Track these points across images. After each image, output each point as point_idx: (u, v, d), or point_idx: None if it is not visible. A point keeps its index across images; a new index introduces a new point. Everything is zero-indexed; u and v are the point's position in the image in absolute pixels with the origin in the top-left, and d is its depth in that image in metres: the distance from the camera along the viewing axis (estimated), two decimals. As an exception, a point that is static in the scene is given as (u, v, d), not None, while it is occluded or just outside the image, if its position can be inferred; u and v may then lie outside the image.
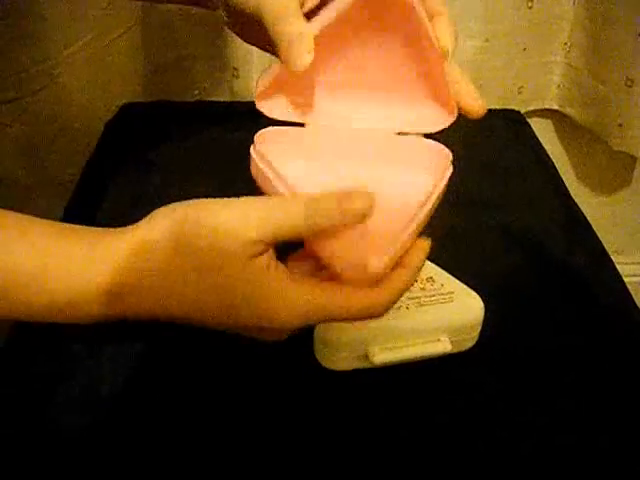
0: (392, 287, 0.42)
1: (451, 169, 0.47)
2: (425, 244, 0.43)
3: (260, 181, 0.46)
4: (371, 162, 0.51)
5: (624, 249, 1.29)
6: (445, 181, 0.46)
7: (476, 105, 0.48)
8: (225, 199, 0.40)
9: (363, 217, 0.38)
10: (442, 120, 0.50)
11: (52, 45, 0.87)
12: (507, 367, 0.55)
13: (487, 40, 1.00)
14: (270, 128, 0.49)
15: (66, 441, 0.49)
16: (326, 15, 0.44)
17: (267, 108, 0.49)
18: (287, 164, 0.45)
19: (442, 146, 0.49)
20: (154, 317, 0.43)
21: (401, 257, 0.42)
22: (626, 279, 0.66)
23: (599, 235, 0.72)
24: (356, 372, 0.52)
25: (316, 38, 0.44)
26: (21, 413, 0.51)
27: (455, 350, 0.53)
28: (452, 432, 0.51)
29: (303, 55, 0.43)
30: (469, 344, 0.54)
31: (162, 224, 0.41)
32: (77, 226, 0.44)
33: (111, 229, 0.43)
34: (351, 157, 0.51)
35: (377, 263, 0.40)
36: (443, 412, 0.52)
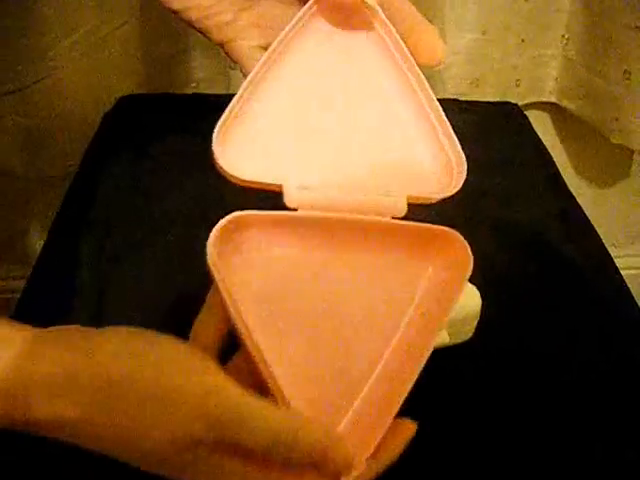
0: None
1: (468, 273, 0.42)
2: (410, 426, 0.39)
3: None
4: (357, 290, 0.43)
5: (621, 242, 1.30)
6: (457, 296, 0.41)
7: (434, 49, 0.44)
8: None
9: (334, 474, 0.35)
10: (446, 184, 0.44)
11: (49, 37, 0.86)
12: (504, 358, 0.55)
13: (484, 33, 0.99)
14: (232, 217, 0.39)
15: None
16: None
17: (231, 165, 0.40)
18: (252, 303, 0.40)
19: (455, 235, 0.43)
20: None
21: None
22: (623, 272, 0.66)
23: (596, 228, 0.72)
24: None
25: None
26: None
27: (453, 342, 0.53)
28: (449, 424, 0.51)
29: None
30: (467, 336, 0.55)
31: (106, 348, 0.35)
32: None
33: None
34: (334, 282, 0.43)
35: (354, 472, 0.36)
36: (440, 403, 0.52)
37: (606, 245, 0.70)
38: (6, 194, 1.09)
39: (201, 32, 0.49)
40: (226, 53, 0.49)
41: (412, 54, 0.44)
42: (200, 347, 0.38)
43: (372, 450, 0.37)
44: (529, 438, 0.50)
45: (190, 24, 0.50)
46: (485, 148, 0.83)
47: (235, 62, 0.49)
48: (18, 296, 0.63)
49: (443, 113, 0.44)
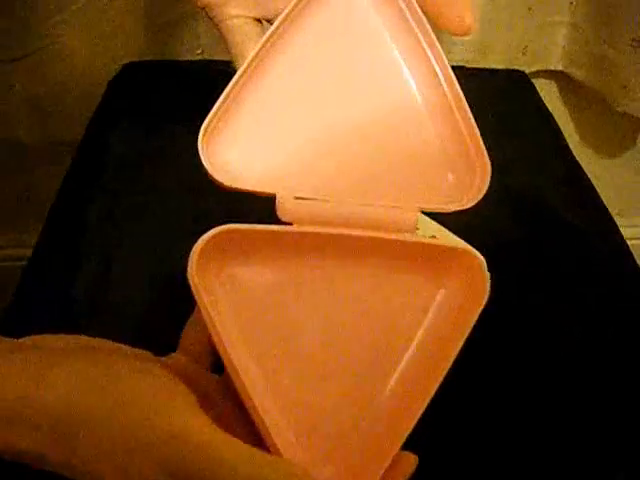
0: None
1: (485, 299, 0.37)
2: (411, 459, 0.36)
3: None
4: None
5: (626, 211, 1.29)
6: (471, 324, 0.37)
7: (463, 23, 0.40)
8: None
9: None
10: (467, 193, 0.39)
11: (53, 4, 0.86)
12: (507, 327, 0.56)
13: (491, 0, 0.99)
14: (217, 232, 0.35)
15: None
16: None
17: (219, 169, 0.36)
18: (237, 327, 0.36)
19: (474, 253, 0.39)
20: None
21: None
22: (628, 242, 0.66)
23: (602, 197, 0.72)
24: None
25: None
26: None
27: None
28: (457, 400, 0.51)
29: None
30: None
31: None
32: None
33: None
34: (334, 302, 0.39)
35: None
36: (447, 379, 0.52)
37: (611, 214, 0.70)
38: (12, 161, 1.09)
39: None
40: (213, 21, 0.45)
41: (437, 22, 0.40)
42: (181, 365, 0.36)
43: None
44: (534, 416, 0.50)
45: None
46: (491, 116, 0.83)
47: (221, 34, 0.44)
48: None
49: (469, 110, 0.38)
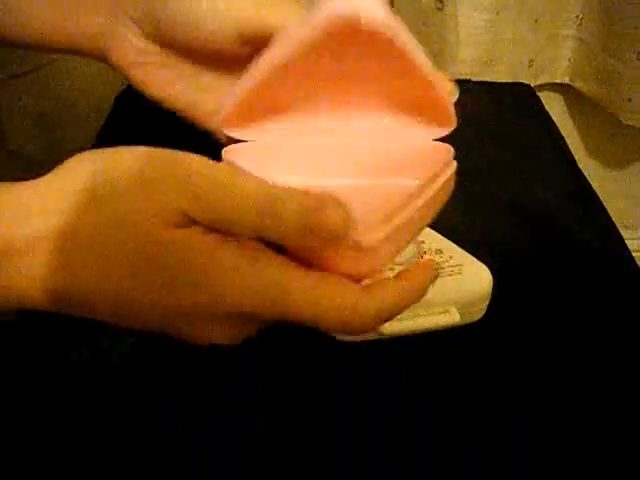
0: (385, 296, 0.34)
1: (454, 165, 0.41)
2: (431, 263, 0.38)
3: None
4: (357, 172, 0.45)
5: (633, 224, 1.29)
6: (446, 177, 0.39)
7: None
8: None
9: (335, 236, 0.32)
10: (436, 131, 0.44)
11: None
12: (516, 338, 0.56)
13: (498, 13, 0.99)
14: (239, 144, 0.43)
15: (78, 411, 0.49)
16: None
17: (239, 132, 0.43)
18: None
19: (440, 144, 0.44)
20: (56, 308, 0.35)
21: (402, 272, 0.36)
22: (634, 254, 0.66)
23: (608, 209, 0.72)
24: (365, 343, 0.52)
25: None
26: (35, 384, 0.52)
27: (464, 322, 0.53)
28: (460, 403, 0.51)
29: None
30: (478, 316, 0.55)
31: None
32: None
33: None
34: (334, 169, 0.44)
35: (372, 235, 0.34)
36: (451, 383, 0.52)
37: (617, 226, 0.70)
38: (19, 175, 1.09)
39: (192, 121, 0.49)
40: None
41: None
42: None
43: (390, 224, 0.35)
44: (541, 416, 0.50)
45: (178, 114, 0.49)
46: (497, 129, 0.83)
47: None
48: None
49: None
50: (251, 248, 0.33)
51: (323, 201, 0.32)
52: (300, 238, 0.32)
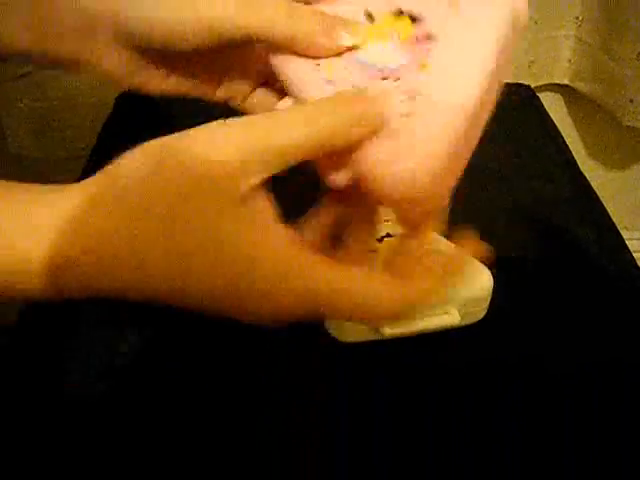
0: (422, 291, 0.36)
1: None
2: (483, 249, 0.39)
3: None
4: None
5: (633, 225, 1.29)
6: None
7: None
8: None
9: (379, 122, 0.34)
10: None
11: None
12: (516, 339, 0.56)
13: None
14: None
15: (81, 412, 0.49)
16: None
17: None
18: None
19: None
20: (120, 294, 0.34)
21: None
22: (635, 254, 0.66)
23: (608, 210, 0.72)
24: (366, 344, 0.52)
25: None
26: (37, 386, 0.52)
27: (464, 322, 0.53)
28: (461, 404, 0.51)
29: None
30: (478, 316, 0.55)
31: (130, 165, 0.33)
32: (19, 184, 0.36)
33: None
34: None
35: (427, 169, 0.34)
36: (452, 384, 0.52)
37: (618, 227, 0.70)
38: (20, 176, 1.09)
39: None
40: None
41: None
42: None
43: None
44: (542, 417, 0.50)
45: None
46: (498, 130, 0.83)
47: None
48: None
49: None
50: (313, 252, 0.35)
51: (359, 91, 0.35)
52: (354, 123, 0.34)
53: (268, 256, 0.33)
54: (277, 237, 0.34)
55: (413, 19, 0.39)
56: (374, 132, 0.34)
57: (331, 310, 0.35)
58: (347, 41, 0.39)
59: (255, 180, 0.32)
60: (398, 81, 0.37)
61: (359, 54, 0.39)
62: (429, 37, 0.38)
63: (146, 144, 0.34)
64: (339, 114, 0.34)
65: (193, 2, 0.40)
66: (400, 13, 0.39)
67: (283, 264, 0.33)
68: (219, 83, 0.49)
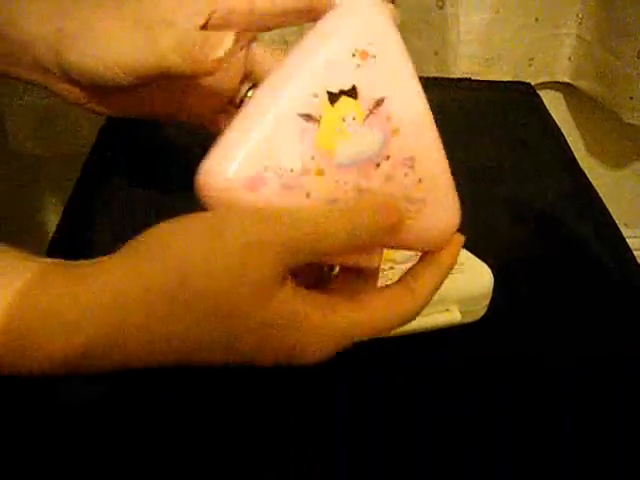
0: (426, 290, 0.40)
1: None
2: (460, 239, 0.41)
3: None
4: None
5: (633, 222, 1.29)
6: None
7: None
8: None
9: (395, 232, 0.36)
10: None
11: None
12: (516, 337, 0.56)
13: (498, 12, 0.99)
14: None
15: (76, 416, 0.49)
16: None
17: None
18: None
19: None
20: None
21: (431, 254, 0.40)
22: (635, 252, 0.66)
23: (608, 207, 0.72)
24: (366, 342, 0.52)
25: None
26: (32, 389, 0.52)
27: (465, 320, 0.53)
28: (461, 402, 0.51)
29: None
30: (479, 315, 0.55)
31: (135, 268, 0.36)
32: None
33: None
34: None
35: (452, 215, 0.38)
36: (453, 382, 0.52)
37: (618, 225, 0.70)
38: (21, 174, 1.09)
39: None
40: None
41: None
42: None
43: None
44: (541, 415, 0.50)
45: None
46: (498, 128, 0.83)
47: None
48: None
49: None
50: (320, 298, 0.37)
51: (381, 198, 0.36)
52: (385, 235, 0.36)
53: (301, 326, 0.36)
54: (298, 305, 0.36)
55: (349, 94, 0.37)
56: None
57: (352, 341, 0.39)
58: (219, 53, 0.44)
59: (280, 281, 0.34)
60: (390, 159, 0.37)
61: (339, 159, 0.36)
62: (378, 103, 0.37)
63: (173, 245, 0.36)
64: (379, 227, 0.36)
65: (116, 45, 0.47)
66: (334, 95, 0.36)
67: (314, 325, 0.36)
68: (178, 108, 0.54)
